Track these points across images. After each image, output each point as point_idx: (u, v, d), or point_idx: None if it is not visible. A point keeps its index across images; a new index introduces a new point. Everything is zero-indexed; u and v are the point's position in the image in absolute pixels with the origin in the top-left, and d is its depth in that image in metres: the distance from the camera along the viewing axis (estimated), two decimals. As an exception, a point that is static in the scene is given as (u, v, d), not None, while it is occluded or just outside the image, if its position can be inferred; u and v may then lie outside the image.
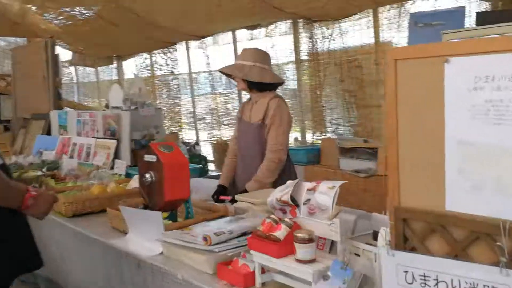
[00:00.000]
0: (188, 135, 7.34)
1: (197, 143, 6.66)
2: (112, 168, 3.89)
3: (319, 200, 1.61)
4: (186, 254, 1.91)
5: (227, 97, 6.51)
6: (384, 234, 1.37)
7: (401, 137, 1.25)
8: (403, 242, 1.25)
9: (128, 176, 3.57)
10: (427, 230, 1.20)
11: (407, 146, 1.24)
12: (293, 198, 1.68)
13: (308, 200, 1.64)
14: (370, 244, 1.63)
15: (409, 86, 1.24)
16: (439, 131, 1.17)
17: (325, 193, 1.61)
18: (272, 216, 1.72)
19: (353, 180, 3.92)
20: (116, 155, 4.11)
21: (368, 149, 3.91)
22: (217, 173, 4.88)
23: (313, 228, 1.60)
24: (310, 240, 1.54)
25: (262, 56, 3.09)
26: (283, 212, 1.71)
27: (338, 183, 1.63)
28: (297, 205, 1.68)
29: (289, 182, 1.77)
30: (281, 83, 3.19)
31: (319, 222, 1.60)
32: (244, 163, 3.13)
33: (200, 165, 3.77)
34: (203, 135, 7.13)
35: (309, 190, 1.66)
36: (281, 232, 1.63)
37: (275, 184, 3.00)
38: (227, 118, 6.57)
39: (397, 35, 4.35)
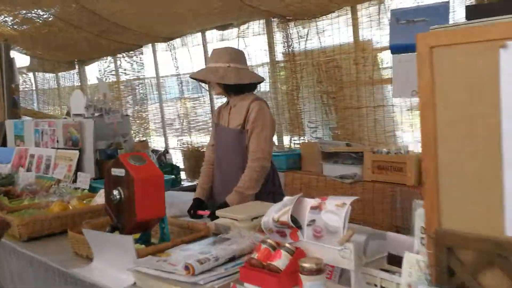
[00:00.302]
0: (156, 143, 6.98)
1: (166, 151, 6.31)
2: (74, 181, 3.53)
3: (326, 221, 1.34)
4: (164, 286, 1.61)
5: (197, 102, 6.19)
6: (416, 262, 1.11)
7: (441, 143, 0.99)
8: (447, 275, 0.98)
9: (93, 190, 3.22)
10: (482, 262, 0.94)
11: (449, 153, 0.98)
12: (293, 218, 1.40)
13: (313, 220, 1.36)
14: (387, 271, 1.36)
15: (450, 79, 0.98)
16: (493, 134, 0.91)
17: (333, 212, 1.34)
18: (269, 240, 1.43)
19: (338, 187, 3.68)
20: (79, 167, 3.75)
21: (352, 153, 3.67)
22: (190, 184, 4.56)
23: (320, 255, 1.32)
24: (319, 271, 1.27)
25: (236, 55, 2.81)
26: (282, 235, 1.43)
27: (348, 200, 1.36)
28: (299, 227, 1.40)
29: (287, 199, 1.50)
30: (260, 81, 2.91)
31: (328, 247, 1.32)
32: (222, 173, 2.84)
33: (172, 176, 3.45)
34: (173, 142, 6.78)
35: (313, 208, 1.39)
36: (281, 261, 1.35)
37: (258, 195, 2.73)
38: (198, 124, 6.26)
39: (377, 33, 4.15)
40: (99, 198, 2.88)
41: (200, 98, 6.14)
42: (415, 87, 3.66)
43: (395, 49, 3.89)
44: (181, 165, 6.56)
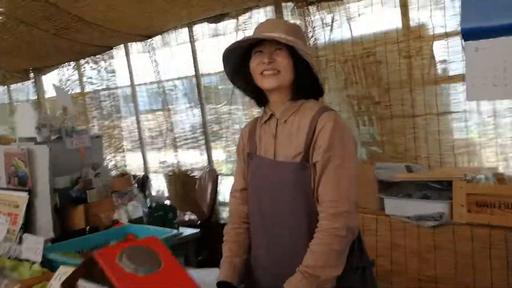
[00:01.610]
0: (133, 166, 5.74)
1: (146, 176, 5.08)
2: (20, 241, 2.30)
3: None
4: None
5: (186, 113, 4.97)
6: None
7: None
8: None
9: (50, 264, 2.00)
10: None
11: None
12: None
13: None
14: None
15: None
16: None
17: None
18: None
19: (412, 232, 2.55)
20: (29, 219, 2.51)
21: (431, 182, 2.54)
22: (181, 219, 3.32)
23: None
24: None
25: (301, 34, 1.69)
26: None
27: None
28: None
29: None
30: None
31: None
32: (271, 239, 1.66)
33: (175, 230, 2.24)
34: (153, 163, 5.55)
35: None
36: None
37: (343, 279, 1.58)
38: (186, 141, 5.04)
39: (438, 14, 3.06)
40: (56, 283, 1.71)
41: (190, 109, 4.93)
42: (500, 83, 2.43)
43: (470, 33, 2.79)
44: (165, 193, 5.33)
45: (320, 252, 1.48)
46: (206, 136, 4.80)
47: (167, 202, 3.04)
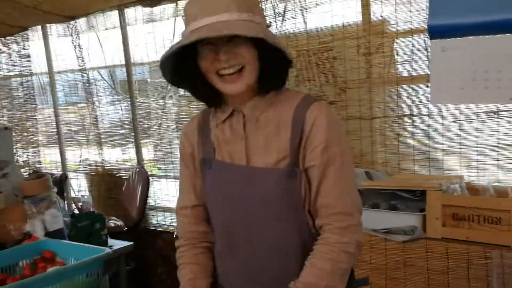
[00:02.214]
0: (49, 163, 5.09)
1: (65, 176, 4.50)
2: None
3: None
4: None
5: (113, 107, 4.43)
6: None
7: None
8: None
9: None
10: None
11: None
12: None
13: None
14: None
15: None
16: None
17: None
18: None
19: (381, 247, 2.27)
20: None
21: (401, 191, 2.29)
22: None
23: None
24: None
25: (257, 5, 1.29)
26: None
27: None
28: None
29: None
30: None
31: None
32: (248, 264, 1.29)
33: (106, 248, 1.78)
34: (73, 161, 4.94)
35: None
36: None
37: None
38: (113, 138, 4.50)
39: (402, 9, 2.83)
40: None
41: (118, 103, 4.40)
42: (468, 86, 2.20)
43: (437, 31, 2.59)
44: (85, 193, 4.76)
45: (325, 270, 1.17)
46: (135, 133, 4.30)
47: (91, 207, 2.55)
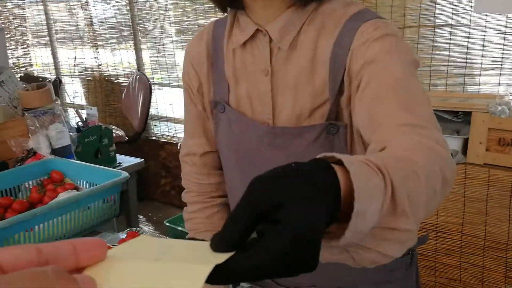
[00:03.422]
0: (40, 65, 4.76)
1: (59, 80, 4.22)
2: None
3: None
4: None
5: (109, 5, 4.03)
6: None
7: None
8: None
9: None
10: None
11: None
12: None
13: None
14: None
15: None
16: None
17: None
18: None
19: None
20: None
21: (440, 112, 2.08)
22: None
23: None
24: None
25: None
26: None
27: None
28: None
29: None
30: None
31: None
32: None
33: (124, 173, 1.58)
34: (66, 64, 4.61)
35: None
36: None
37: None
38: (109, 40, 4.15)
39: None
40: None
41: (112, 1, 4.00)
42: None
43: None
44: (82, 101, 4.52)
45: (415, 150, 0.59)
46: (135, 36, 3.95)
47: (96, 120, 2.31)
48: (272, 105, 0.90)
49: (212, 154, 1.06)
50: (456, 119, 2.07)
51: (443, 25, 2.61)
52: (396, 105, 0.71)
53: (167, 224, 3.14)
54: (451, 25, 2.58)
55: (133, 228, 1.64)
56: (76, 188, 1.67)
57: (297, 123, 0.88)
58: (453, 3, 2.55)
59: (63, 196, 1.52)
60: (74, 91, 4.55)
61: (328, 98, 0.85)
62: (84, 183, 1.70)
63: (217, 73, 0.96)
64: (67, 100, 4.61)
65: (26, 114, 1.89)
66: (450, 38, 2.61)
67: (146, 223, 3.73)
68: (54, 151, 1.88)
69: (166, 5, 3.76)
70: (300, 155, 0.87)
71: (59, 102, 2.11)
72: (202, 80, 1.00)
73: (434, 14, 2.60)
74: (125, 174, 1.59)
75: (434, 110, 0.74)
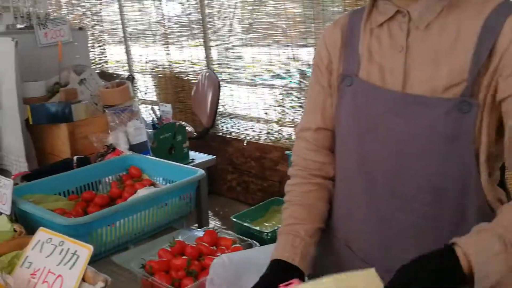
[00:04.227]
0: (114, 62, 4.95)
1: (132, 77, 4.35)
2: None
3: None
4: None
5: (180, 4, 4.12)
6: None
7: None
8: None
9: (24, 217, 1.38)
10: None
11: None
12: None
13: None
14: None
15: None
16: None
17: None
18: None
19: None
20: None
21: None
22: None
23: None
24: None
25: None
26: None
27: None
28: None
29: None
30: None
31: None
32: (381, 215, 1.05)
33: (200, 170, 1.61)
34: (138, 62, 4.77)
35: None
36: None
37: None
38: (180, 38, 4.25)
39: None
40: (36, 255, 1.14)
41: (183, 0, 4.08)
42: None
43: None
44: (153, 97, 4.65)
45: None
46: (204, 33, 4.01)
47: (170, 117, 2.36)
48: (403, 78, 0.96)
49: (324, 132, 1.13)
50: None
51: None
52: None
53: (234, 219, 3.17)
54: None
55: (210, 227, 1.66)
56: (153, 184, 1.71)
57: (431, 95, 0.92)
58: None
59: (142, 192, 1.57)
60: (146, 87, 4.70)
61: (466, 78, 0.89)
62: (161, 179, 1.74)
63: (349, 50, 1.07)
64: (139, 96, 4.76)
65: (107, 111, 1.96)
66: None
67: (213, 218, 3.79)
68: (132, 147, 1.94)
69: (236, 3, 3.79)
70: (426, 130, 0.92)
71: (137, 99, 2.18)
72: (333, 59, 1.10)
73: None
74: (201, 172, 1.61)
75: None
